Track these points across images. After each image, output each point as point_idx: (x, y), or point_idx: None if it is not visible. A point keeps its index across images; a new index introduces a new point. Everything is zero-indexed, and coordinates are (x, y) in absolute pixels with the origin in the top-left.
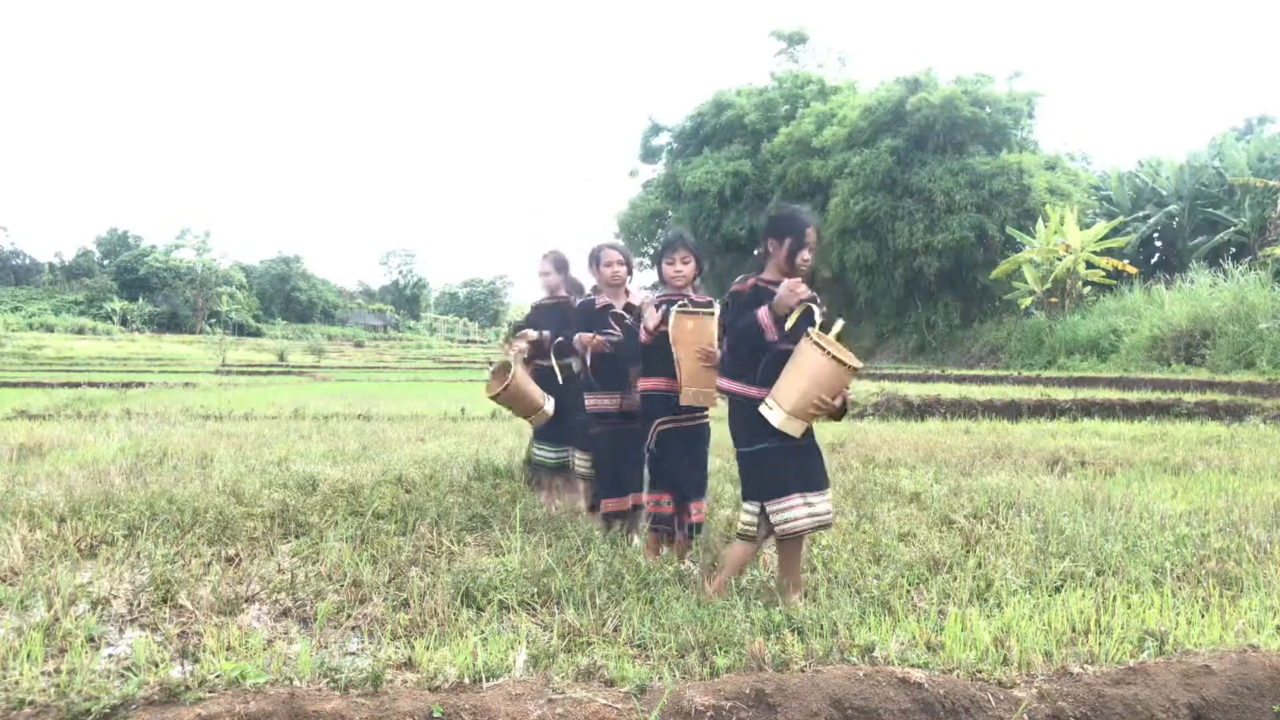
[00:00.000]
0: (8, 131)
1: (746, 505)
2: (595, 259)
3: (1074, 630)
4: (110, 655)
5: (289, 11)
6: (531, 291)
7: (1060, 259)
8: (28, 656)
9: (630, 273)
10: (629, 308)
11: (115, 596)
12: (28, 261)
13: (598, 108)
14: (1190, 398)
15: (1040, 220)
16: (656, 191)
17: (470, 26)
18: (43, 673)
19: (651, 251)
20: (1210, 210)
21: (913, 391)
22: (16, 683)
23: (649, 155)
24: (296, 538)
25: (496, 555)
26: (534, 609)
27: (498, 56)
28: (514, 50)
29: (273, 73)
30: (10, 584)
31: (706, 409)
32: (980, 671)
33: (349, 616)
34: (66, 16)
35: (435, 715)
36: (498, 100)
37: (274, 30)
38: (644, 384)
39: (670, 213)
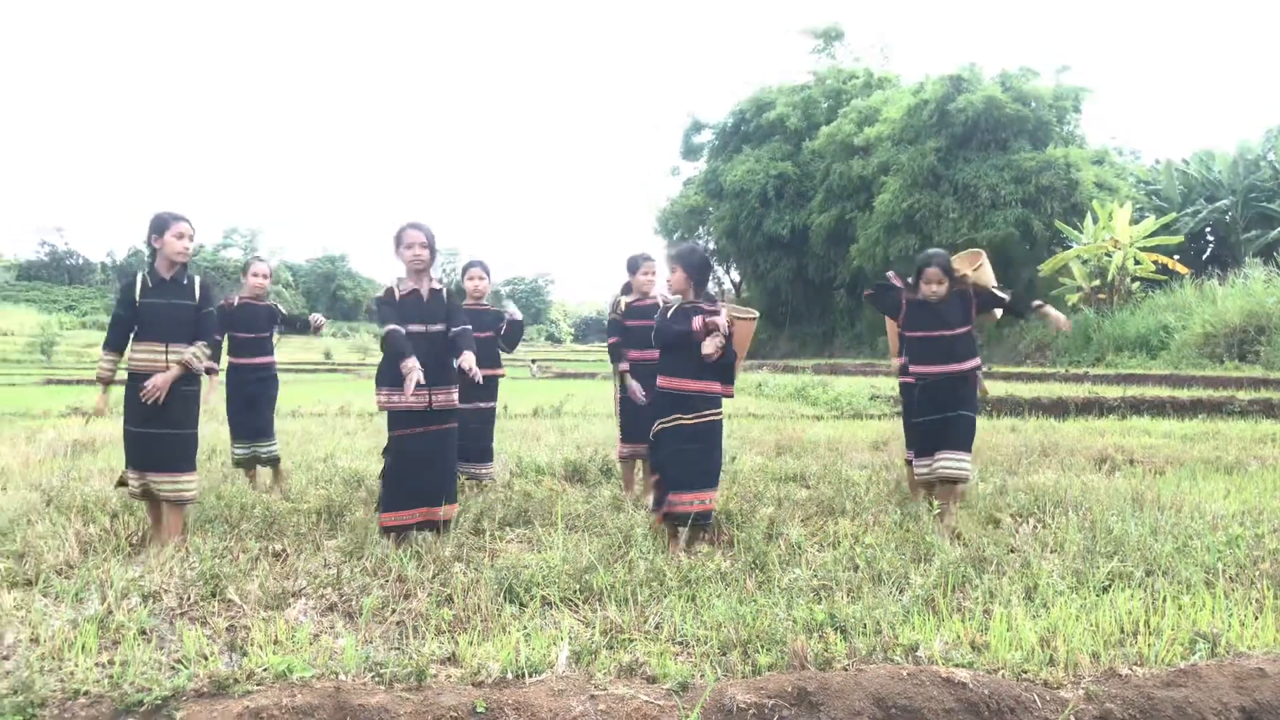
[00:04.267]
0: (62, 134)
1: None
2: (398, 240)
3: (1122, 631)
4: (161, 648)
5: (338, 9)
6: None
7: (1109, 255)
8: (83, 648)
9: (433, 255)
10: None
11: (166, 590)
12: (81, 261)
13: (638, 103)
14: (1244, 395)
15: (1090, 216)
16: (697, 188)
17: (514, 22)
18: (97, 664)
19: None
20: (1265, 204)
21: None
22: (72, 673)
23: (690, 152)
24: (342, 533)
25: (538, 552)
26: (576, 605)
27: (541, 53)
28: (557, 47)
29: (320, 72)
30: (66, 577)
31: (716, 408)
32: (1026, 672)
33: (393, 611)
34: (119, 18)
35: (478, 710)
36: (541, 98)
37: (321, 29)
38: (663, 382)
39: (711, 210)
